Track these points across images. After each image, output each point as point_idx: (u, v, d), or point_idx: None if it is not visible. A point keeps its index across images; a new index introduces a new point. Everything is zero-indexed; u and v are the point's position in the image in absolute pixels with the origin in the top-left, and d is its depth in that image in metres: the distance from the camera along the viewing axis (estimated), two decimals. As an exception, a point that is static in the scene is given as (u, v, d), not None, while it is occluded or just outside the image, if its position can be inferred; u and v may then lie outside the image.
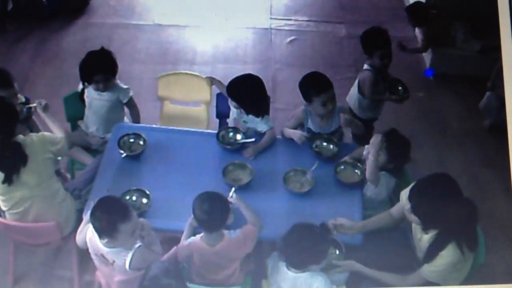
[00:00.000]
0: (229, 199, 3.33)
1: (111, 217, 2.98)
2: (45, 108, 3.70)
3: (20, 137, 3.46)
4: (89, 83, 4.00)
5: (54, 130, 3.65)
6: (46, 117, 3.70)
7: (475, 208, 3.07)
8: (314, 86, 3.81)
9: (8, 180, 3.42)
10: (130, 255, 3.05)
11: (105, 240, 3.04)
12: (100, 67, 3.98)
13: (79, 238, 3.27)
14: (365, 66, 4.29)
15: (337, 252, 3.28)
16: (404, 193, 3.24)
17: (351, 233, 3.28)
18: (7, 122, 3.43)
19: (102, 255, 3.11)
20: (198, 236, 3.20)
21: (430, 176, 3.18)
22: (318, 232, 3.05)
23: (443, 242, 3.06)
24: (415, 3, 5.67)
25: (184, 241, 3.22)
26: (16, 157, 3.40)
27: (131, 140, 3.80)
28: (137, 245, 3.07)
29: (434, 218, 3.07)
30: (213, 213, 3.09)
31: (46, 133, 3.60)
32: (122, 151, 3.73)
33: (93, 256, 3.19)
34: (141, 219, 3.14)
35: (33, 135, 3.51)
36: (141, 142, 3.79)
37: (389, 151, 3.49)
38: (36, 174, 3.46)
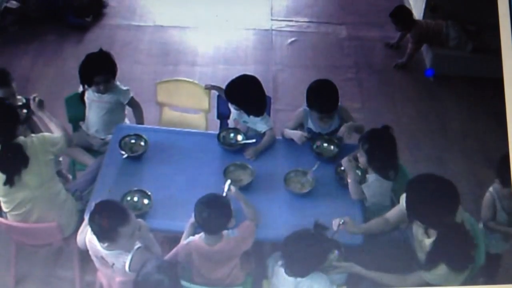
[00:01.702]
0: (226, 193, 3.32)
1: (110, 221, 2.96)
2: (40, 105, 3.63)
3: (21, 138, 3.45)
4: (90, 85, 3.99)
5: (52, 128, 3.62)
6: (43, 114, 3.65)
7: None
8: (318, 104, 3.79)
9: (9, 182, 3.42)
10: (129, 257, 3.05)
11: (105, 244, 3.04)
12: (100, 68, 3.97)
13: (79, 239, 3.28)
14: (490, 187, 3.62)
15: (336, 252, 3.28)
16: (404, 197, 3.22)
17: (355, 232, 3.25)
18: (8, 124, 3.42)
19: (102, 257, 3.11)
20: (197, 236, 3.20)
21: (421, 177, 3.14)
22: (314, 234, 3.05)
23: (444, 252, 3.03)
24: (397, 7, 5.61)
25: (184, 241, 3.23)
26: (17, 158, 3.39)
27: (132, 141, 3.81)
28: (136, 247, 3.07)
29: (430, 219, 3.05)
30: (214, 217, 3.09)
31: (46, 134, 3.59)
32: (123, 152, 3.73)
33: (93, 258, 3.19)
34: (139, 220, 3.14)
35: (34, 136, 3.51)
36: (142, 143, 3.80)
37: (366, 150, 3.45)
38: (37, 175, 3.46)
